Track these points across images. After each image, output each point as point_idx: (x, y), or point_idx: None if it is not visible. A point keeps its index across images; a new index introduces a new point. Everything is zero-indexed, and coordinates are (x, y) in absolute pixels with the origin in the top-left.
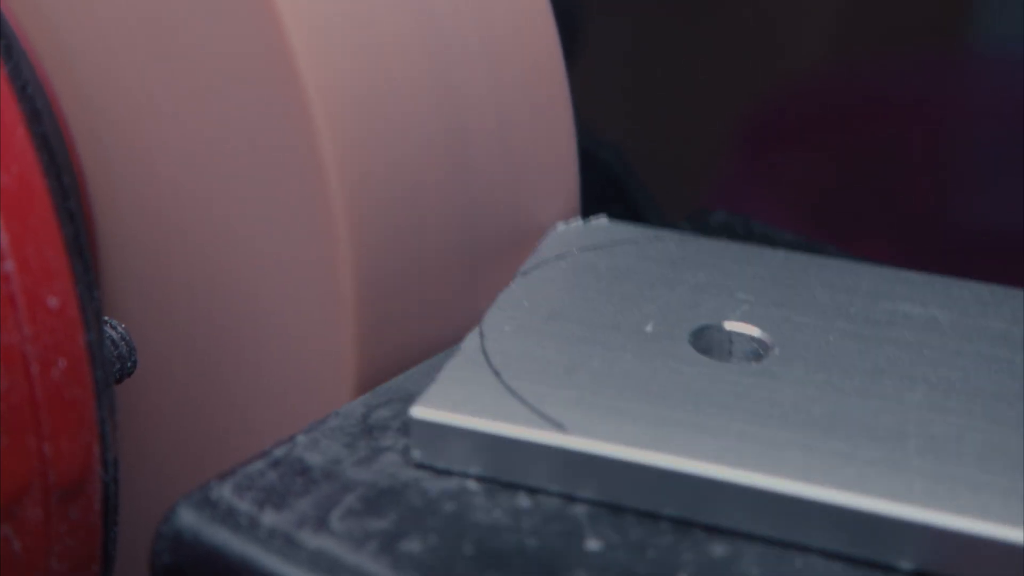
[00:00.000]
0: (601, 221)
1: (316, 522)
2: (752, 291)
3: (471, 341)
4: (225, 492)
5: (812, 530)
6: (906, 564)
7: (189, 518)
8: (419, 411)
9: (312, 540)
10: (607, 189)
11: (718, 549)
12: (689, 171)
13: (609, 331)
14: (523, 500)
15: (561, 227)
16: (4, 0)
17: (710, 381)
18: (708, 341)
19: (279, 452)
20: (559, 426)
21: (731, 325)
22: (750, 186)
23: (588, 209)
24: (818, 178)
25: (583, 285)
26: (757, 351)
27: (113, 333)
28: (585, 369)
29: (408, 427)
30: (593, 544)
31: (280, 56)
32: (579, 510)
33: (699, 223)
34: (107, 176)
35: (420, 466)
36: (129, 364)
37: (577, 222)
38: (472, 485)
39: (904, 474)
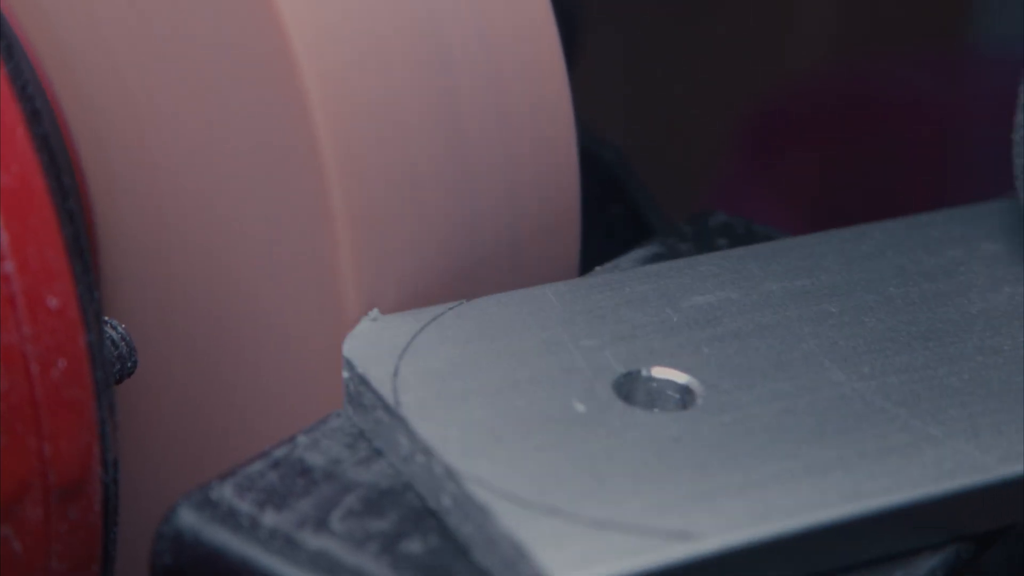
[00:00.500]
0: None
1: (317, 523)
2: (624, 322)
3: (478, 491)
4: (226, 492)
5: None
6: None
7: (190, 518)
8: None
9: (313, 541)
10: (607, 189)
11: None
12: (689, 171)
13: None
14: None
15: (351, 335)
16: (4, 0)
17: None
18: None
19: (280, 453)
20: (686, 535)
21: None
22: (750, 186)
23: (588, 209)
24: (818, 178)
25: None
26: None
27: (113, 333)
28: (603, 464)
29: None
30: None
31: (280, 56)
32: None
33: (699, 224)
34: (107, 176)
35: None
36: (129, 364)
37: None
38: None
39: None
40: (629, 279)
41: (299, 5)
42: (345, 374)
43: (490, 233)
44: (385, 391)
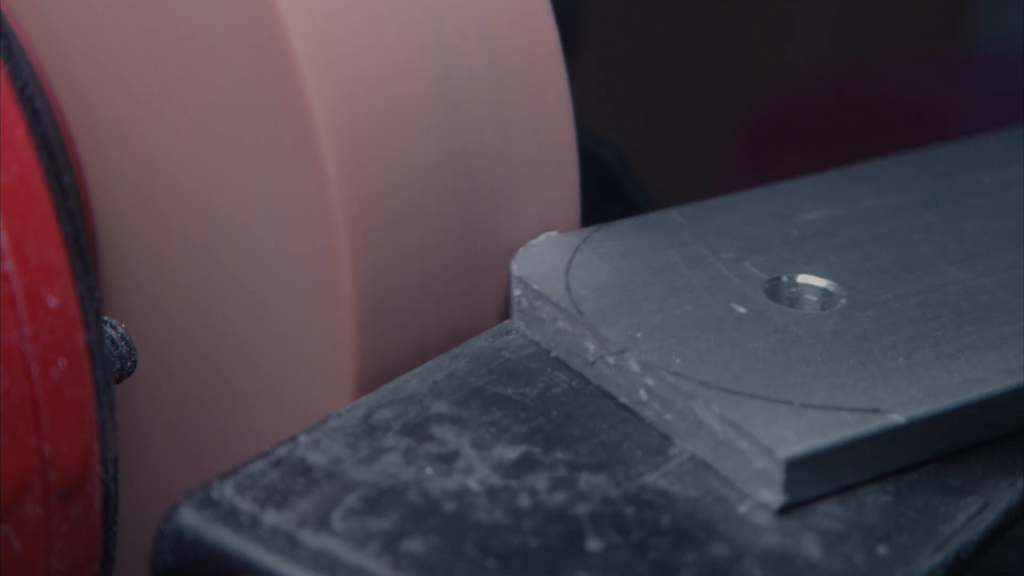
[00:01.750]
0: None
1: (317, 522)
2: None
3: (686, 385)
4: (227, 492)
5: None
6: None
7: (190, 518)
8: (788, 449)
9: (313, 540)
10: (607, 189)
11: (718, 550)
12: (689, 171)
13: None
14: (524, 500)
15: (522, 251)
16: (4, 0)
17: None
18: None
19: (280, 452)
20: (881, 412)
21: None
22: (750, 186)
23: (588, 209)
24: None
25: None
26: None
27: (113, 333)
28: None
29: (783, 473)
30: (594, 545)
31: (280, 55)
32: (580, 510)
33: None
34: (107, 176)
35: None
36: (129, 364)
37: (547, 235)
38: (475, 485)
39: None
40: (742, 201)
41: (298, 3)
42: (516, 291)
43: (489, 231)
44: (566, 303)
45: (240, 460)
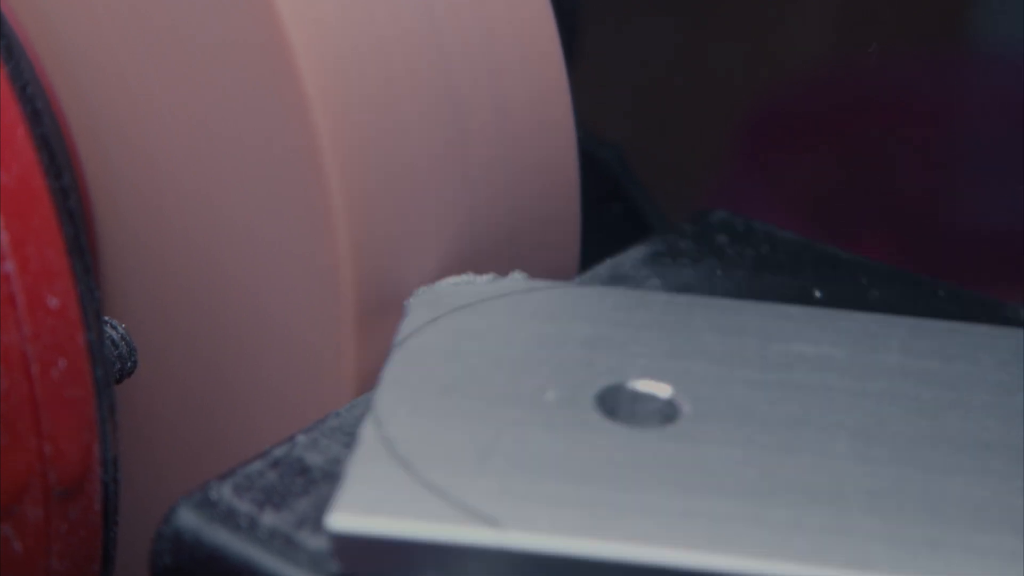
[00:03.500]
0: (458, 278)
1: (316, 522)
2: (643, 343)
3: (369, 431)
4: (225, 492)
5: None
6: None
7: (189, 519)
8: (338, 520)
9: (312, 540)
10: (607, 189)
11: None
12: (689, 171)
13: (509, 403)
14: None
15: (422, 291)
16: (4, 0)
17: (632, 451)
18: (614, 404)
19: (279, 452)
20: (494, 522)
21: (636, 384)
22: (750, 186)
23: (588, 209)
24: (818, 178)
25: (466, 351)
26: (666, 411)
27: (113, 333)
28: (498, 451)
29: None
30: None
31: (280, 56)
32: None
33: (700, 223)
34: (107, 176)
35: None
36: (129, 364)
37: (436, 284)
38: None
39: (860, 540)
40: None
41: (298, 4)
42: None
43: (490, 232)
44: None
45: (240, 460)
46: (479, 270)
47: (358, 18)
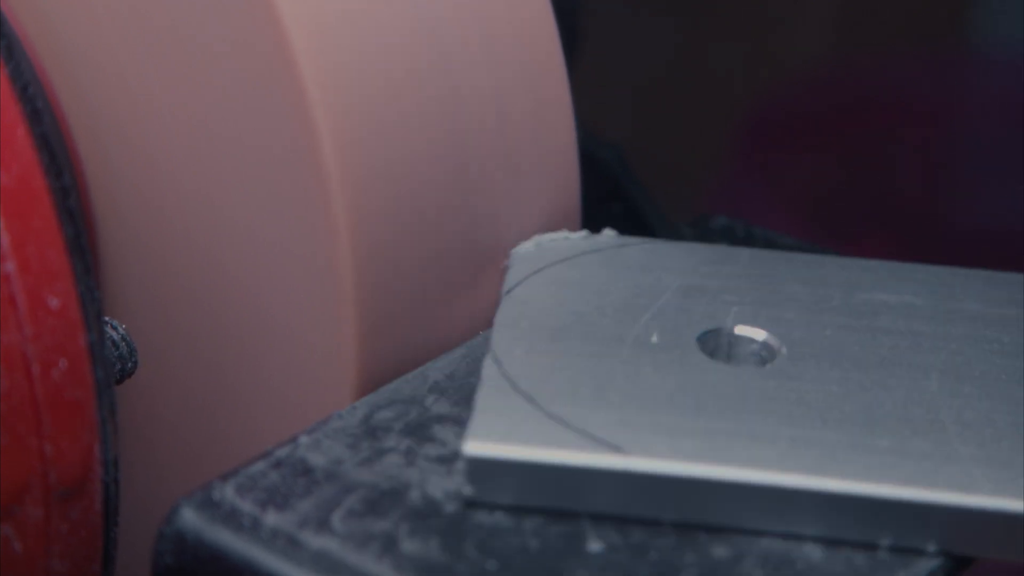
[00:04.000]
0: (555, 234)
1: (318, 523)
2: (734, 292)
3: (490, 369)
4: (227, 493)
5: (889, 529)
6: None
7: (191, 519)
8: (473, 447)
9: (314, 541)
10: (607, 189)
11: (720, 551)
12: (689, 171)
13: (617, 345)
14: None
15: (522, 246)
16: (4, 0)
17: (737, 387)
18: (714, 346)
19: (281, 453)
20: (618, 449)
21: (737, 329)
22: (750, 186)
23: (588, 209)
24: (818, 177)
25: (570, 298)
26: (763, 353)
27: (114, 334)
28: (613, 387)
29: (461, 464)
30: (595, 546)
31: (281, 56)
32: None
33: (701, 228)
34: (107, 176)
35: (471, 504)
36: (129, 364)
37: (534, 239)
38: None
39: (963, 465)
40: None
41: (299, 4)
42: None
43: (491, 233)
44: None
45: (241, 461)
46: (480, 271)
47: (359, 18)
